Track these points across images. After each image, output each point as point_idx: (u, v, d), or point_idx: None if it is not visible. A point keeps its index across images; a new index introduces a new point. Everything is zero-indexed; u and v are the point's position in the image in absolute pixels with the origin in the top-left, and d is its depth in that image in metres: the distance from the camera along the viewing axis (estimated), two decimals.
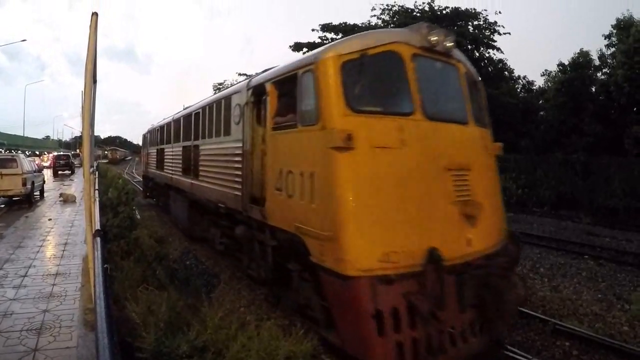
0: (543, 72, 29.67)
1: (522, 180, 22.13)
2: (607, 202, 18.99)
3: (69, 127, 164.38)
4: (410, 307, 4.04)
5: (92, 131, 5.45)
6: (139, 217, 11.65)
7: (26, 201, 14.43)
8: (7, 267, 6.83)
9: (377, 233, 4.17)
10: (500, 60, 28.46)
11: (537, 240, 12.50)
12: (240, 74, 34.48)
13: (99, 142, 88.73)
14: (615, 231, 14.73)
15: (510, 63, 34.95)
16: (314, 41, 27.95)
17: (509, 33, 27.08)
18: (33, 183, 14.99)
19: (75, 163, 35.11)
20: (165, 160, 13.75)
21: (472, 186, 4.81)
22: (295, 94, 5.15)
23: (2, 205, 14.32)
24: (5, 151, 34.11)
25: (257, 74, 6.87)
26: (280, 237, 5.55)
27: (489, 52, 27.90)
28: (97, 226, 5.39)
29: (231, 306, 6.25)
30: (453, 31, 5.03)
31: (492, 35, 27.26)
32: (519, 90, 29.84)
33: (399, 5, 28.17)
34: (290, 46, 29.40)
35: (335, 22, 28.68)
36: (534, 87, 30.27)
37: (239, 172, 6.69)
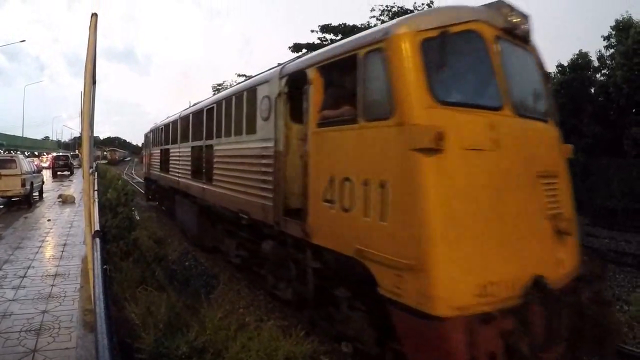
0: None
1: None
2: (606, 203, 19.04)
3: (68, 127, 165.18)
4: (510, 350, 3.29)
5: (92, 132, 5.45)
6: (138, 218, 11.63)
7: (25, 202, 14.42)
8: (6, 268, 6.82)
9: (473, 259, 3.37)
10: None
11: None
12: (239, 75, 34.48)
13: (98, 143, 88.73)
14: (614, 232, 14.76)
15: None
16: (313, 42, 27.97)
17: None
18: (32, 184, 14.99)
19: (74, 164, 35.11)
20: (171, 162, 12.65)
21: (560, 196, 4.16)
22: (353, 80, 4.20)
23: (1, 206, 14.31)
24: (4, 152, 34.05)
25: (291, 60, 5.88)
26: (328, 259, 4.62)
27: None
28: (97, 227, 5.39)
29: (230, 307, 6.24)
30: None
31: None
32: None
33: (398, 6, 28.23)
34: (289, 47, 29.42)
35: (335, 23, 28.72)
36: None
37: (269, 178, 5.69)
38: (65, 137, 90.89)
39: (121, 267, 6.37)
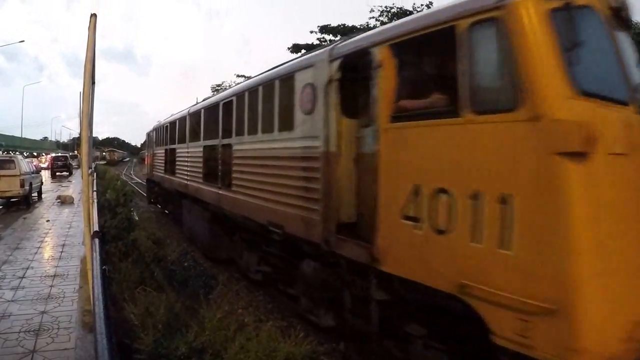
0: None
1: None
2: None
3: (67, 128, 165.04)
4: None
5: (91, 132, 5.45)
6: (137, 218, 11.63)
7: (24, 202, 14.43)
8: (5, 269, 6.82)
9: (622, 296, 2.70)
10: None
11: None
12: (238, 75, 34.51)
13: (97, 143, 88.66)
14: None
15: None
16: (312, 42, 28.01)
17: None
18: (31, 184, 15.00)
19: (73, 164, 35.09)
20: (178, 163, 11.55)
21: None
22: (449, 60, 3.30)
23: (0, 207, 14.31)
24: (3, 152, 34.03)
25: (342, 40, 4.88)
26: (403, 291, 3.71)
27: None
28: (96, 227, 5.39)
29: (229, 307, 6.23)
30: None
31: None
32: None
33: (397, 7, 28.27)
34: (288, 48, 29.45)
35: (334, 23, 28.77)
36: None
37: (314, 186, 4.70)
38: (64, 138, 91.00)
39: (120, 268, 6.37)
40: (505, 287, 2.80)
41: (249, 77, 9.24)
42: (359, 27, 27.78)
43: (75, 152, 50.28)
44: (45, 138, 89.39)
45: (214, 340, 4.34)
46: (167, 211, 14.88)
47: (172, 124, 12.66)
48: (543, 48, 2.80)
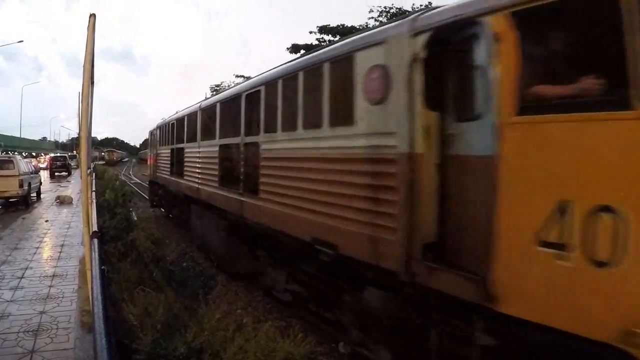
0: None
1: None
2: None
3: (66, 128, 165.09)
4: None
5: (90, 132, 5.46)
6: (135, 218, 11.64)
7: (23, 202, 14.43)
8: (4, 269, 6.82)
9: None
10: None
11: None
12: (237, 76, 34.57)
13: (96, 144, 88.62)
14: None
15: None
16: (311, 43, 28.05)
17: None
18: (30, 184, 15.00)
19: (72, 164, 35.06)
20: (187, 164, 10.42)
21: None
22: (612, 30, 2.47)
23: None
24: (2, 152, 34.00)
25: (429, 9, 3.90)
26: (525, 336, 2.92)
27: None
28: (95, 228, 5.39)
29: (228, 308, 6.23)
30: None
31: None
32: None
33: (396, 8, 28.31)
34: (287, 48, 29.49)
35: (333, 24, 28.82)
36: None
37: (390, 197, 3.69)
38: (63, 138, 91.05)
39: (119, 268, 6.37)
40: None
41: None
42: (358, 27, 27.85)
43: (74, 152, 50.25)
44: (44, 138, 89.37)
45: (212, 341, 4.34)
46: (171, 215, 14.11)
47: (180, 120, 11.51)
48: None
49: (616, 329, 2.38)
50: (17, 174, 13.79)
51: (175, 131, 12.02)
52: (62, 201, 15.51)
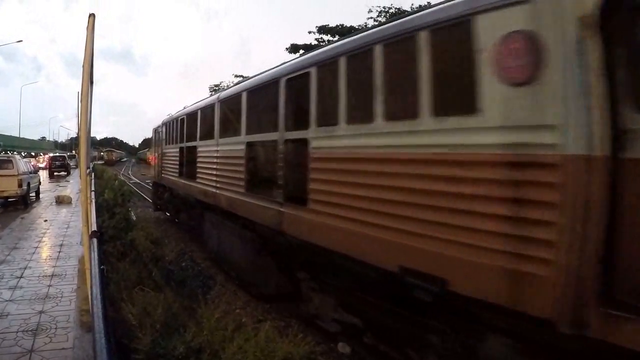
0: None
1: None
2: None
3: (65, 128, 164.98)
4: None
5: (89, 132, 5.45)
6: (134, 218, 11.63)
7: (22, 202, 14.42)
8: (3, 269, 6.82)
9: None
10: None
11: None
12: (236, 76, 34.56)
13: (95, 144, 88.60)
14: None
15: None
16: (311, 43, 28.06)
17: None
18: (29, 184, 14.99)
19: (71, 164, 35.04)
20: (200, 165, 9.20)
21: None
22: None
23: None
24: (1, 152, 33.97)
25: None
26: None
27: None
28: (94, 227, 5.39)
29: (227, 307, 6.22)
30: None
31: None
32: None
33: (395, 8, 28.32)
34: (286, 48, 29.51)
35: (332, 24, 28.84)
36: None
37: (543, 216, 2.70)
38: (62, 138, 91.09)
39: (118, 268, 6.37)
40: None
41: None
42: (357, 27, 27.86)
43: (73, 152, 50.21)
44: (43, 138, 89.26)
45: (211, 340, 4.35)
46: (177, 220, 13.20)
47: (191, 115, 10.11)
48: None
49: None
50: (16, 173, 13.78)
51: (186, 128, 10.60)
52: (61, 201, 15.50)
